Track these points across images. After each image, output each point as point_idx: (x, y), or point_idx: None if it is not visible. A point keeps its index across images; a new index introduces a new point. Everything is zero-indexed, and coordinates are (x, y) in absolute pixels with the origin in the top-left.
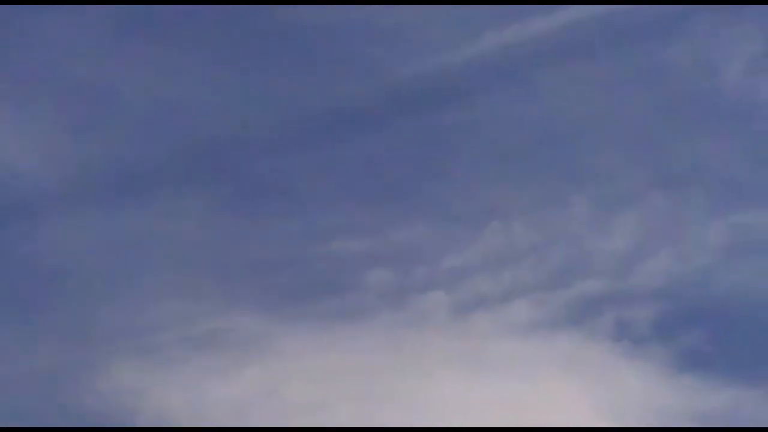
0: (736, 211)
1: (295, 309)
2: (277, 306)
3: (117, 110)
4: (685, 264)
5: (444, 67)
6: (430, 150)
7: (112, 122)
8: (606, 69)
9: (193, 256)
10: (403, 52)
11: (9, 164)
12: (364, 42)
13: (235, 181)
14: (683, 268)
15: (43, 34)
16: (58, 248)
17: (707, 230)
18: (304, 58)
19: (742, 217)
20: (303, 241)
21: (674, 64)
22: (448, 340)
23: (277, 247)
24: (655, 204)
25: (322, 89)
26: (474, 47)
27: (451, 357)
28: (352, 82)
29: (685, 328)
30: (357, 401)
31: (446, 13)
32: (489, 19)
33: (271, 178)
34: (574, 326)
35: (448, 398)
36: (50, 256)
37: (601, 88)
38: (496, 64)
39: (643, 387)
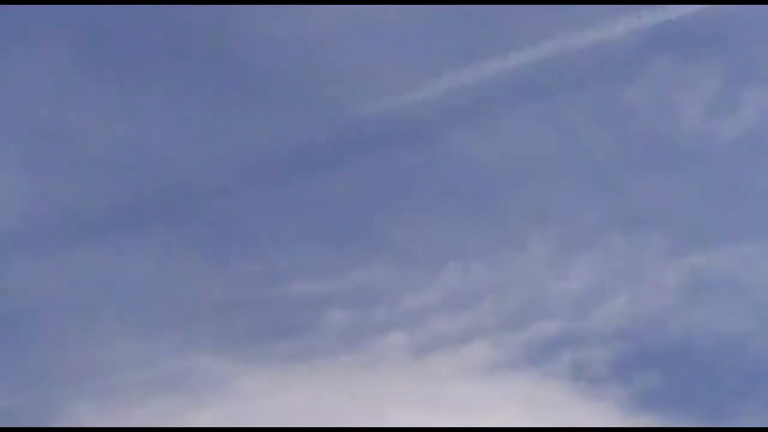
0: (693, 252)
1: (254, 350)
2: (236, 347)
3: (73, 151)
4: (643, 305)
5: (402, 108)
6: (388, 190)
7: (69, 163)
8: (564, 110)
9: (151, 298)
10: (362, 93)
11: None
12: (323, 82)
13: (193, 223)
14: (640, 310)
15: None
16: (14, 289)
17: (665, 272)
18: (262, 99)
19: (699, 258)
20: (261, 283)
21: (633, 105)
22: (407, 381)
23: (235, 289)
24: (613, 245)
25: (280, 130)
26: (432, 87)
27: (409, 398)
28: (310, 122)
29: (642, 369)
30: None
31: (404, 53)
32: (447, 59)
33: (229, 220)
34: (531, 367)
35: None
36: (6, 297)
37: (559, 128)
38: (454, 105)
39: (600, 427)
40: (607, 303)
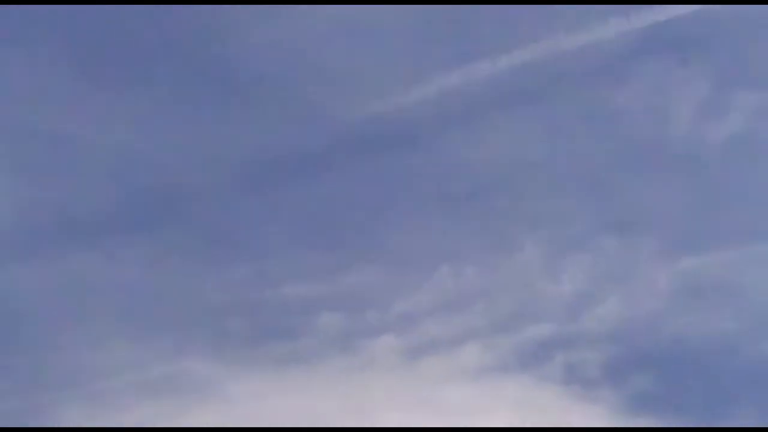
0: (685, 255)
1: (246, 353)
2: (228, 351)
3: (65, 156)
4: (635, 308)
5: (393, 111)
6: (380, 194)
7: (62, 167)
8: (555, 113)
9: (143, 302)
10: (353, 96)
11: None
12: (314, 86)
13: (186, 227)
14: (632, 313)
15: None
16: (8, 293)
17: (657, 275)
18: (254, 103)
19: (690, 261)
20: (253, 286)
21: (623, 108)
22: (398, 383)
23: (228, 292)
24: (604, 249)
25: (272, 134)
26: (423, 91)
27: (401, 401)
28: (302, 126)
29: (634, 372)
30: None
31: (395, 56)
32: (438, 63)
33: (221, 224)
34: (524, 370)
35: None
36: (0, 300)
37: (550, 132)
38: (445, 108)
39: (595, 427)
40: (599, 306)
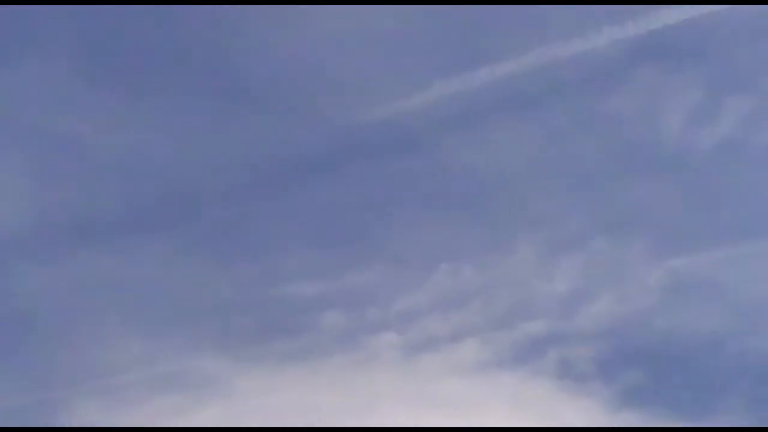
0: (675, 255)
1: (252, 350)
2: (235, 347)
3: (81, 159)
4: (626, 306)
5: (395, 116)
6: (381, 196)
7: (76, 170)
8: (551, 118)
9: (154, 300)
10: (357, 102)
11: None
12: (320, 93)
13: (194, 227)
14: (624, 310)
15: (8, 84)
16: (22, 292)
17: (647, 274)
18: (262, 109)
19: (680, 261)
20: (260, 285)
21: (617, 114)
22: (399, 379)
23: (235, 291)
24: (597, 248)
25: (278, 138)
26: (424, 96)
27: (401, 395)
28: (307, 131)
29: (626, 367)
30: None
31: (396, 64)
32: (437, 69)
33: (229, 224)
34: (519, 365)
35: None
36: (14, 299)
37: (546, 136)
38: (445, 113)
39: (585, 423)
40: (592, 304)
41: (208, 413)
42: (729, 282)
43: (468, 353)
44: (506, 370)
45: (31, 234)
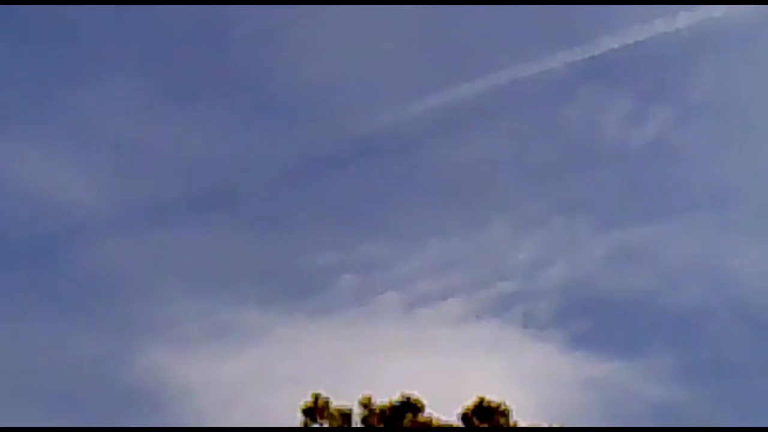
0: (615, 229)
1: (285, 306)
2: (271, 304)
3: (150, 157)
4: (578, 270)
5: (395, 122)
6: (384, 185)
7: (146, 167)
8: (517, 123)
9: (208, 266)
10: (363, 113)
11: (71, 198)
12: (335, 106)
13: (240, 210)
14: (576, 273)
15: (95, 98)
16: (105, 261)
17: (593, 244)
18: (291, 119)
19: (619, 234)
20: (290, 255)
21: (568, 119)
22: (399, 328)
23: (271, 259)
24: (554, 225)
25: (303, 141)
26: (415, 107)
27: (401, 341)
28: (326, 134)
29: (576, 318)
30: (331, 374)
31: (393, 80)
32: (428, 84)
33: (266, 207)
34: (493, 317)
35: (399, 372)
36: (99, 266)
37: (512, 137)
38: (433, 121)
39: (545, 361)
40: (550, 268)
41: (250, 354)
42: (657, 251)
43: (453, 308)
44: (483, 321)
45: (115, 215)
